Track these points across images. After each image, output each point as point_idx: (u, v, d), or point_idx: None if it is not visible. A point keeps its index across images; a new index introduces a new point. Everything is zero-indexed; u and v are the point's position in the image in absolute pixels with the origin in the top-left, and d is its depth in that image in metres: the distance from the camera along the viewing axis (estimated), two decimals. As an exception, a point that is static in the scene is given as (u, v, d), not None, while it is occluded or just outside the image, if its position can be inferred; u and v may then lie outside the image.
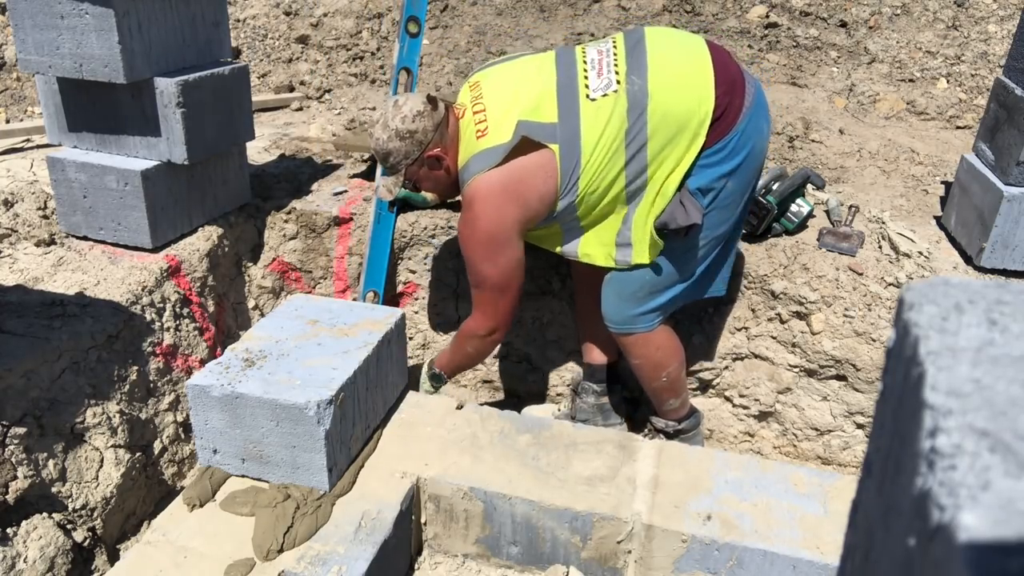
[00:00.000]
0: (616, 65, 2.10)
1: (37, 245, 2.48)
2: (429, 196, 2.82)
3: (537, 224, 2.20)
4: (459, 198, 2.81)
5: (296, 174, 3.18)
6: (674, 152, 2.06)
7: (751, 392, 2.74)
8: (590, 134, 2.07)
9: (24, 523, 1.80)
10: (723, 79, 2.05)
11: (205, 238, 2.62)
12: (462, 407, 2.21)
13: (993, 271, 2.56)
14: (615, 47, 2.14)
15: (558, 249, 2.31)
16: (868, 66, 4.39)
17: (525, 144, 2.07)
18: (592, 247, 2.25)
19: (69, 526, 1.90)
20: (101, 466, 2.02)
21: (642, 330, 2.32)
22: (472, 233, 2.15)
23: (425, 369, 2.51)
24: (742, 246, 2.62)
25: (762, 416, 2.77)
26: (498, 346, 2.40)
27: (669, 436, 2.53)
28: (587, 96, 2.09)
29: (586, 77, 2.11)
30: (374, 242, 2.79)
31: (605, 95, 2.07)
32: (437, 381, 2.48)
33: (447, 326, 3.01)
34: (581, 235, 2.25)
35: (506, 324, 2.30)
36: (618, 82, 2.07)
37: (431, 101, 2.18)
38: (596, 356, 2.68)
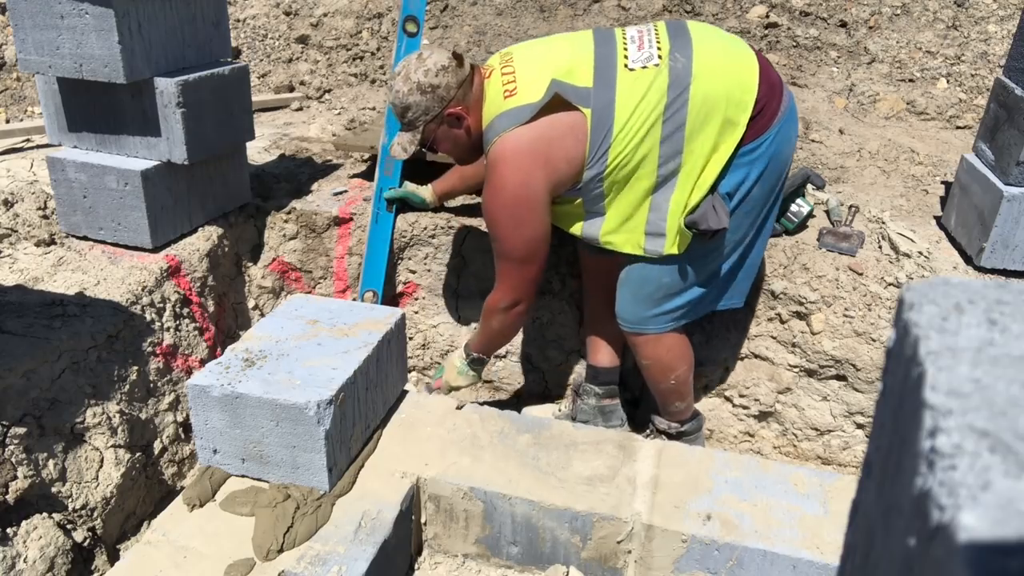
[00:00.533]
0: (659, 43, 2.06)
1: (37, 245, 2.48)
2: (431, 196, 2.80)
3: (562, 195, 2.13)
4: (467, 185, 2.79)
5: (296, 174, 3.18)
6: (711, 139, 2.02)
7: (751, 392, 2.74)
8: (625, 104, 2.01)
9: (24, 523, 1.80)
10: (765, 78, 2.05)
11: (205, 238, 2.62)
12: (462, 407, 2.21)
13: (993, 271, 2.56)
14: (656, 29, 2.11)
15: (578, 230, 2.24)
16: (868, 66, 4.39)
17: (556, 104, 2.02)
18: (616, 234, 2.19)
19: (69, 526, 1.90)
20: (101, 466, 2.02)
21: (653, 331, 2.31)
22: (498, 198, 2.07)
23: (461, 357, 2.42)
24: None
25: (762, 416, 2.77)
26: (524, 319, 2.31)
27: (671, 437, 2.53)
28: (625, 66, 2.04)
29: (626, 49, 2.07)
30: (372, 242, 2.79)
31: (645, 67, 2.02)
32: (479, 365, 2.40)
33: (447, 326, 3.01)
34: (603, 216, 2.18)
35: (529, 297, 2.23)
36: (660, 57, 2.03)
37: (456, 57, 2.11)
38: (601, 359, 2.65)
